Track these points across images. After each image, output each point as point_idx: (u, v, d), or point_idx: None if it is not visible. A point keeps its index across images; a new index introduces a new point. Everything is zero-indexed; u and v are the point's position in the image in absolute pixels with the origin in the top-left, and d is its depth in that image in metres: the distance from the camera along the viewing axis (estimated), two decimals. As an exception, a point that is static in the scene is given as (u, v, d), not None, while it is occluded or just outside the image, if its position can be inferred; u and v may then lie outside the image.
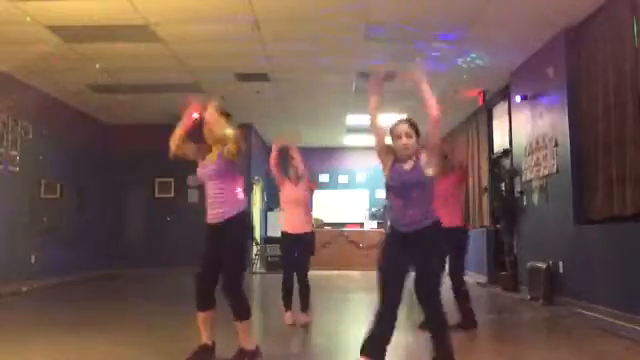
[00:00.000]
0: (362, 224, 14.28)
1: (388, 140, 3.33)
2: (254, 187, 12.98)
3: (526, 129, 7.69)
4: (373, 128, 3.41)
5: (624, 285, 5.25)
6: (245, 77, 8.61)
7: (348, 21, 6.40)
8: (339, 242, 13.07)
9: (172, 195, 12.06)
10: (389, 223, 3.48)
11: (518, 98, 7.74)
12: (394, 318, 3.19)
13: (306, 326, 5.25)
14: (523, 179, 7.80)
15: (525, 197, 7.72)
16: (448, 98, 9.71)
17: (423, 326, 3.90)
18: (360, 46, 7.19)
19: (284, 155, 5.52)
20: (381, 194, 15.00)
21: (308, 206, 5.57)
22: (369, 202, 14.88)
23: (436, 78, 8.51)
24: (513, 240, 8.21)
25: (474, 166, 10.52)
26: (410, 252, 3.16)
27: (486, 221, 9.51)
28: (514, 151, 8.34)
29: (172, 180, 12.03)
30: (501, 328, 5.60)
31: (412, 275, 3.19)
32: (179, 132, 3.76)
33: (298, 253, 5.42)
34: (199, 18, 6.34)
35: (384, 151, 3.33)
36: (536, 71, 7.27)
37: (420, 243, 3.14)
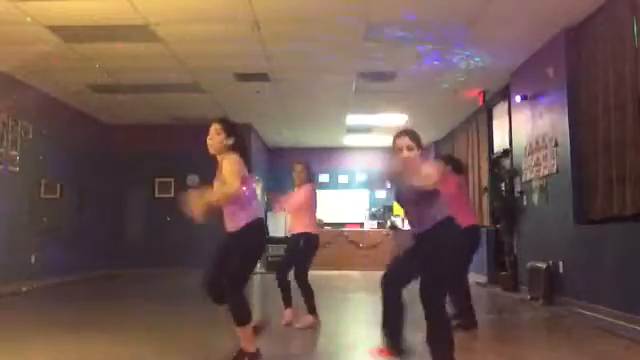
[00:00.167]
0: (362, 224, 14.28)
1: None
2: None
3: (526, 129, 7.69)
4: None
5: (624, 285, 5.25)
6: (245, 77, 8.61)
7: (348, 21, 6.40)
8: (339, 242, 13.06)
9: (172, 195, 12.03)
10: None
11: (518, 98, 7.74)
12: (398, 309, 3.26)
13: (304, 328, 5.22)
14: (523, 179, 7.80)
15: (525, 197, 7.72)
16: (448, 98, 9.74)
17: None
18: (360, 46, 7.19)
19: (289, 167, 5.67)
20: (381, 194, 15.05)
21: (304, 209, 5.54)
22: (369, 202, 14.88)
23: (436, 78, 8.53)
24: (513, 240, 8.22)
25: (474, 166, 10.52)
26: (417, 253, 3.28)
27: (486, 221, 9.51)
28: (514, 151, 8.34)
29: (172, 180, 12.02)
30: (501, 328, 5.60)
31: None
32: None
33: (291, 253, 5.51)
34: (199, 18, 6.34)
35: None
36: (536, 71, 7.27)
37: (424, 245, 3.20)
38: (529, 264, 7.17)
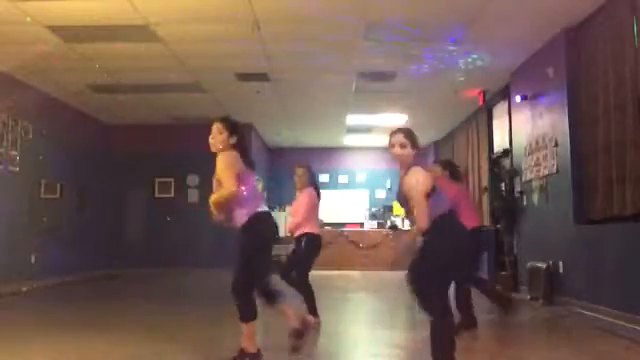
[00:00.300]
0: (362, 224, 14.27)
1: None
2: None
3: (526, 129, 7.69)
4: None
5: (624, 285, 5.25)
6: (245, 77, 8.61)
7: (348, 21, 6.40)
8: (339, 242, 13.05)
9: (172, 195, 12.06)
10: None
11: (518, 98, 7.74)
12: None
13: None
14: (523, 179, 7.80)
15: (525, 197, 7.72)
16: (448, 98, 9.74)
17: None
18: (360, 46, 7.19)
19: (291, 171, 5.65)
20: (381, 194, 15.06)
21: (307, 213, 5.54)
22: (369, 202, 14.88)
23: (436, 78, 8.52)
24: (513, 240, 8.22)
25: (474, 166, 10.53)
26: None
27: (486, 221, 9.51)
28: (514, 151, 8.34)
29: (172, 180, 12.04)
30: (501, 328, 5.60)
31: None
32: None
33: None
34: (199, 18, 6.34)
35: None
36: (536, 71, 7.27)
37: (424, 243, 3.25)
38: (529, 264, 7.17)
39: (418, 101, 9.96)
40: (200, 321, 5.72)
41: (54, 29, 6.56)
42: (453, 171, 5.45)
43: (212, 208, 3.65)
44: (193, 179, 11.86)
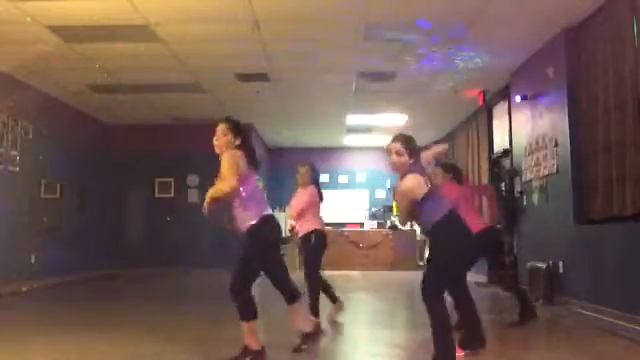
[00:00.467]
0: (362, 224, 14.28)
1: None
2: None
3: (526, 129, 7.69)
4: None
5: (624, 285, 5.25)
6: (245, 77, 8.61)
7: (348, 21, 6.40)
8: (339, 242, 13.03)
9: (172, 195, 12.06)
10: None
11: (518, 98, 7.74)
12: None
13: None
14: (523, 179, 7.80)
15: (525, 197, 7.72)
16: (448, 98, 9.74)
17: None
18: (360, 46, 7.19)
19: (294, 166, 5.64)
20: (381, 194, 15.06)
21: (310, 210, 5.53)
22: (369, 202, 14.89)
23: (436, 78, 8.53)
24: (513, 240, 8.22)
25: (474, 166, 10.52)
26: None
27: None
28: (514, 151, 8.34)
29: (172, 180, 12.04)
30: (501, 328, 5.59)
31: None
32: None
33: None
34: (199, 18, 6.34)
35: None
36: (536, 71, 7.27)
37: (430, 243, 3.37)
38: (529, 264, 7.17)
39: (418, 101, 9.96)
40: (200, 321, 5.72)
41: (54, 29, 6.56)
42: (456, 174, 5.47)
43: (207, 201, 3.63)
44: (193, 179, 11.87)
